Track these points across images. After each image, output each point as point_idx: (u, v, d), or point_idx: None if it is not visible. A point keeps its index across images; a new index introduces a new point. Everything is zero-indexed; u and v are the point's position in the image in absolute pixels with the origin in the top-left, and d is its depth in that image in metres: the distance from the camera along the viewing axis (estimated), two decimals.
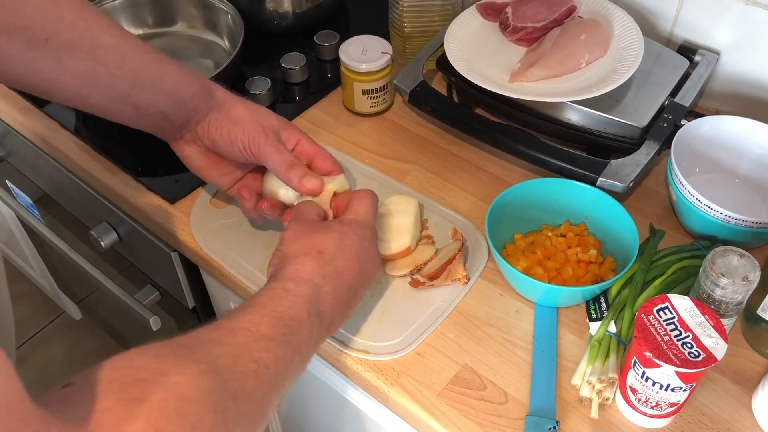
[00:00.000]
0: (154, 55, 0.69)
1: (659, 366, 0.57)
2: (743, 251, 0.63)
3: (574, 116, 0.81)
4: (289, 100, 0.96)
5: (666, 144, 0.79)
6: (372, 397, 0.71)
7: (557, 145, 0.81)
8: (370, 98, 0.90)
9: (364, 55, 0.88)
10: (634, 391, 0.61)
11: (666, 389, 0.59)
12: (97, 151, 0.90)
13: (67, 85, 0.67)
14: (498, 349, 0.69)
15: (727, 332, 0.60)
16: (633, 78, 0.80)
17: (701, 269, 0.64)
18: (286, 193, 0.71)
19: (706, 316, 0.59)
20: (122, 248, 1.00)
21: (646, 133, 0.80)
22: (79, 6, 0.66)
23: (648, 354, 0.57)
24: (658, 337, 0.58)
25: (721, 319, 0.60)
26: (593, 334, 0.68)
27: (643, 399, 0.61)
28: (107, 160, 0.89)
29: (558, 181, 0.76)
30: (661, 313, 0.60)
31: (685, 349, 0.57)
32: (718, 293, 0.63)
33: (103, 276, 1.04)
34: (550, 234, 0.75)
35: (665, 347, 0.57)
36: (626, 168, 0.77)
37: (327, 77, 0.99)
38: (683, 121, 0.79)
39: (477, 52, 0.86)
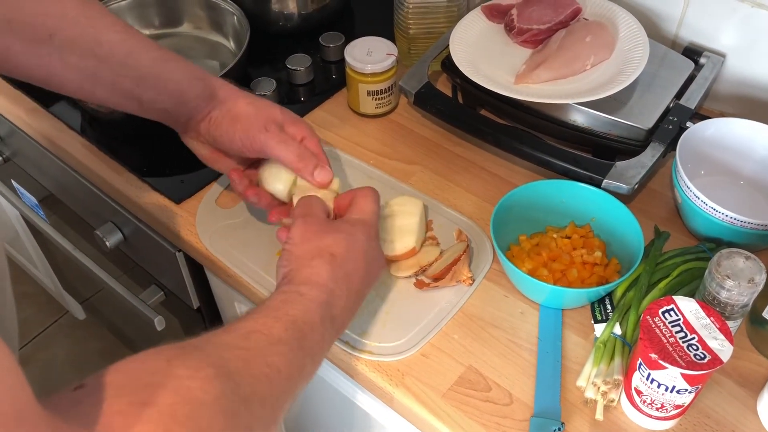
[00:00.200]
0: (158, 53, 0.70)
1: (665, 368, 0.57)
2: (749, 253, 0.63)
3: (579, 118, 0.82)
4: (294, 101, 0.97)
5: (671, 146, 0.79)
6: (377, 398, 0.71)
7: (562, 146, 0.81)
8: (375, 99, 0.91)
9: (369, 56, 0.88)
10: (639, 393, 0.61)
11: (671, 391, 0.59)
12: (103, 151, 0.90)
13: (70, 80, 0.67)
14: (503, 351, 0.69)
15: (733, 335, 0.60)
16: (638, 80, 0.80)
17: (707, 271, 0.64)
18: (277, 187, 0.71)
19: (711, 318, 0.59)
20: (127, 248, 1.00)
21: (651, 135, 0.80)
22: (82, 2, 0.66)
23: (653, 356, 0.57)
24: (663, 338, 0.58)
25: (726, 321, 0.60)
26: (598, 335, 0.68)
27: (648, 401, 0.61)
28: (113, 160, 0.89)
29: (563, 183, 0.76)
30: (666, 314, 0.59)
31: (690, 351, 0.57)
32: (723, 295, 0.63)
33: (108, 276, 1.04)
34: (555, 235, 0.75)
35: (670, 349, 0.57)
36: (631, 170, 0.77)
37: (332, 78, 0.99)
38: (688, 123, 0.79)
39: (482, 53, 0.86)
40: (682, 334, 0.58)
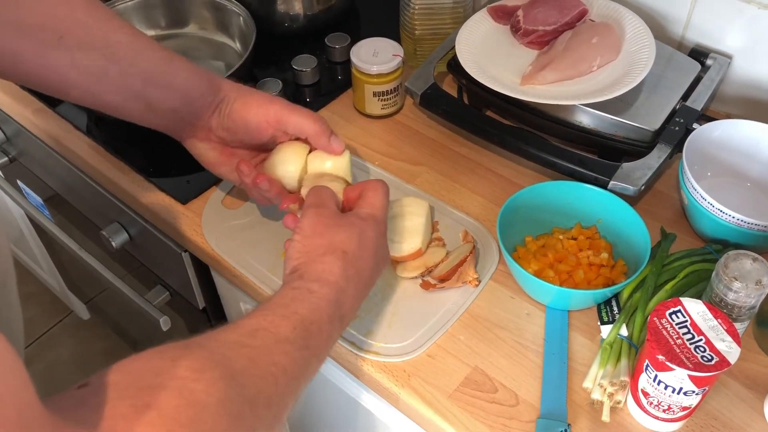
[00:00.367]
0: (163, 53, 0.70)
1: (672, 369, 0.57)
2: (756, 255, 0.63)
3: (586, 119, 0.81)
4: (300, 102, 0.94)
5: (677, 147, 0.79)
6: (382, 398, 0.71)
7: (568, 148, 0.81)
8: (381, 100, 0.91)
9: (375, 57, 0.88)
10: (646, 394, 0.61)
11: (678, 393, 0.58)
12: (109, 151, 0.90)
13: (79, 83, 0.67)
14: (509, 352, 0.69)
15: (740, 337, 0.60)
16: (644, 81, 0.80)
17: (714, 273, 0.64)
18: (288, 169, 0.72)
19: (718, 320, 0.59)
20: (133, 248, 1.00)
21: (657, 136, 0.80)
22: (90, 5, 0.66)
23: (661, 357, 0.57)
24: (670, 340, 0.58)
25: (733, 323, 0.59)
26: (605, 337, 0.68)
27: (655, 402, 0.61)
28: (119, 161, 0.89)
29: (569, 184, 0.76)
30: (673, 316, 0.59)
31: (697, 353, 0.57)
32: (731, 297, 0.63)
33: (113, 276, 1.04)
34: (561, 237, 0.75)
35: (678, 350, 0.57)
36: (638, 171, 0.77)
37: (338, 79, 1.00)
38: (695, 125, 0.79)
39: (488, 54, 0.86)
40: (690, 336, 0.58)
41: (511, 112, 0.86)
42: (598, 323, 0.70)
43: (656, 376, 0.59)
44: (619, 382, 0.63)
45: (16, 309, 0.65)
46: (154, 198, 0.85)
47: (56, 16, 0.64)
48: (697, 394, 0.59)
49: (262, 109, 0.70)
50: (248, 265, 0.77)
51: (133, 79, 0.68)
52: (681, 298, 0.61)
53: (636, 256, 0.71)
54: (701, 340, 0.58)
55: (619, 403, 0.64)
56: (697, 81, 0.85)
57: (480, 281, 0.74)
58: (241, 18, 0.99)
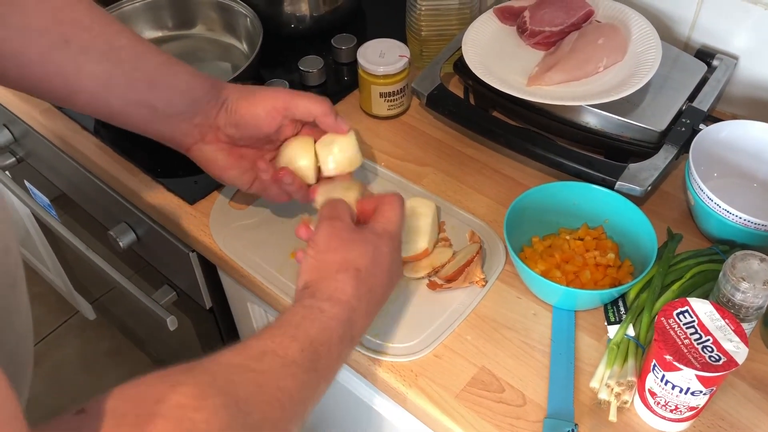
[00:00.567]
0: (165, 57, 0.70)
1: (679, 369, 0.57)
2: (764, 255, 0.63)
3: (592, 120, 0.82)
4: None
5: (684, 148, 0.79)
6: (390, 398, 0.71)
7: (574, 148, 0.81)
8: (388, 101, 0.91)
9: (381, 58, 0.88)
10: (653, 394, 0.61)
11: (686, 393, 0.59)
12: (117, 152, 0.91)
13: (85, 88, 0.67)
14: (516, 352, 0.69)
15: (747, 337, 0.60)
16: (651, 82, 0.80)
17: (721, 273, 0.64)
18: (300, 168, 0.72)
19: (726, 320, 0.59)
20: (140, 248, 1.01)
21: (664, 137, 0.80)
22: (92, 9, 0.67)
23: (668, 357, 0.57)
24: (678, 340, 0.58)
25: (741, 324, 0.60)
26: (611, 337, 0.68)
27: (663, 402, 0.61)
28: (127, 161, 0.90)
29: (576, 185, 0.76)
30: (681, 316, 0.60)
31: (705, 353, 0.57)
32: (738, 297, 0.63)
33: (120, 276, 1.05)
34: (567, 237, 0.76)
35: (685, 350, 0.57)
36: (644, 172, 0.77)
37: (344, 80, 1.00)
38: (701, 126, 0.79)
39: (494, 55, 0.87)
40: (697, 336, 0.58)
41: (518, 112, 0.86)
42: (605, 323, 0.70)
43: (664, 376, 0.59)
44: (626, 382, 0.63)
45: (25, 311, 0.65)
46: (162, 198, 0.86)
47: (61, 21, 0.64)
48: (704, 394, 0.59)
49: (269, 99, 0.71)
50: (255, 265, 0.77)
51: (137, 83, 0.68)
52: (688, 298, 0.61)
53: (643, 257, 0.71)
54: (709, 340, 0.58)
55: (626, 403, 0.64)
56: (703, 82, 0.85)
57: (487, 281, 0.74)
58: (248, 19, 0.99)
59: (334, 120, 0.72)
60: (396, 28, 0.99)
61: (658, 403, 0.61)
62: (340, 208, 0.63)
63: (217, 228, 0.81)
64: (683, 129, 0.80)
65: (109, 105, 0.69)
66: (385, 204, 0.65)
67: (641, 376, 0.63)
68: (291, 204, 0.82)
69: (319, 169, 0.74)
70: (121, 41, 0.67)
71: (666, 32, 0.91)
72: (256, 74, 0.97)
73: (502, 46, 0.88)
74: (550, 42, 0.87)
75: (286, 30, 1.04)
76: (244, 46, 1.03)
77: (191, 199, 0.84)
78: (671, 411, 0.61)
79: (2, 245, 0.57)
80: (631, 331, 0.67)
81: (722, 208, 0.71)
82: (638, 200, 0.75)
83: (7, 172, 1.21)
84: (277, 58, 1.02)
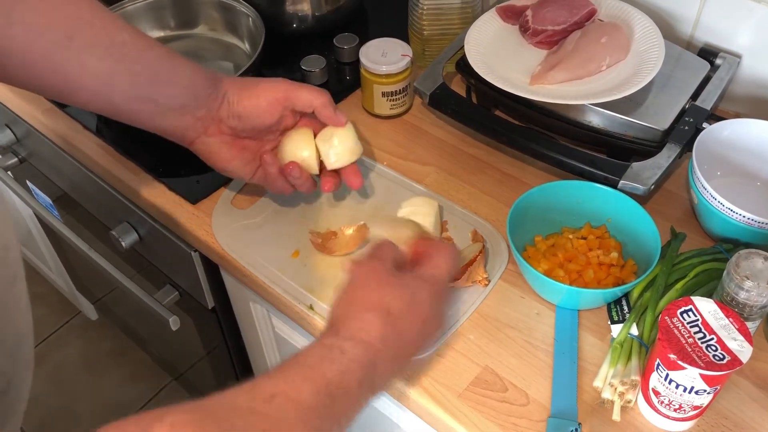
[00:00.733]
0: (164, 51, 0.70)
1: (683, 368, 0.57)
2: None
3: (595, 119, 0.81)
4: None
5: (687, 147, 0.79)
6: (392, 398, 0.71)
7: (577, 147, 0.81)
8: (390, 100, 0.91)
9: (383, 57, 0.88)
10: (656, 393, 0.61)
11: (690, 392, 0.58)
12: (119, 151, 0.91)
13: (88, 85, 0.67)
14: (519, 351, 0.69)
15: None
16: (654, 81, 0.80)
17: (725, 272, 0.64)
18: (304, 159, 0.74)
19: (730, 319, 0.59)
20: (142, 248, 1.01)
21: (666, 135, 0.80)
22: (93, 5, 0.67)
23: (672, 356, 0.57)
24: (682, 339, 0.58)
25: (745, 322, 0.59)
26: (615, 336, 0.68)
27: (666, 402, 0.61)
28: (129, 161, 0.90)
29: (579, 184, 0.76)
30: (684, 315, 0.59)
31: (709, 352, 0.57)
32: (742, 296, 0.63)
33: (122, 276, 1.05)
34: (571, 236, 0.75)
35: (689, 349, 0.57)
36: (647, 171, 0.76)
37: (346, 80, 1.00)
38: (704, 124, 0.79)
39: (497, 54, 0.86)
40: (701, 335, 0.58)
41: (520, 111, 0.86)
42: (609, 322, 0.70)
43: (667, 375, 0.58)
44: (630, 381, 0.63)
45: (25, 309, 0.65)
46: (164, 198, 0.85)
47: (64, 17, 0.64)
48: (708, 393, 0.59)
49: (270, 90, 0.72)
50: (258, 265, 0.77)
51: (140, 78, 0.68)
52: (692, 297, 0.61)
53: (646, 256, 0.71)
54: (713, 339, 0.58)
55: (629, 402, 0.64)
56: (706, 80, 0.85)
57: (490, 281, 0.74)
58: (250, 19, 0.99)
59: (333, 112, 0.73)
60: (398, 27, 0.99)
61: (662, 402, 0.61)
62: (385, 249, 0.60)
63: (219, 227, 0.81)
64: (686, 128, 0.80)
65: (111, 101, 0.69)
66: (435, 250, 0.62)
67: (645, 375, 0.63)
68: (293, 204, 0.82)
69: (322, 162, 0.76)
70: (122, 37, 0.68)
71: (669, 31, 0.91)
72: (258, 74, 0.96)
73: (505, 45, 0.88)
74: (553, 41, 0.87)
75: (288, 29, 1.04)
76: (246, 46, 1.03)
77: (193, 199, 0.84)
78: (675, 410, 0.61)
79: (2, 242, 0.57)
80: (634, 330, 0.67)
81: (726, 206, 0.71)
82: (641, 199, 0.75)
83: (9, 172, 1.21)
84: (279, 57, 1.02)
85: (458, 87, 0.92)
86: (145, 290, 1.02)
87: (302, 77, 0.97)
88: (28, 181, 1.27)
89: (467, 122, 0.87)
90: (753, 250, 0.63)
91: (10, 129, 1.11)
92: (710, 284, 0.70)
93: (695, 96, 0.83)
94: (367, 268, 0.58)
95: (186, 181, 0.86)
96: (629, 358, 0.65)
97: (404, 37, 0.93)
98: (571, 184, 0.76)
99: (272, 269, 0.76)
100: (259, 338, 0.98)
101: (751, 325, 0.65)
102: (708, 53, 0.88)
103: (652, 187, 0.75)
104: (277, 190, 0.76)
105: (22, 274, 0.62)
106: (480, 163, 0.87)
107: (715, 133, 0.78)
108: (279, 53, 1.02)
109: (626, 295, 0.70)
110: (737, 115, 0.88)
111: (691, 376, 0.57)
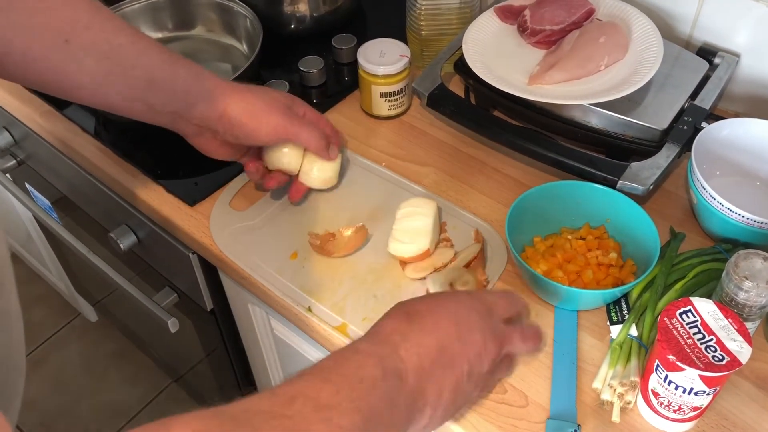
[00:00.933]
0: (166, 55, 0.70)
1: (682, 369, 0.56)
2: (767, 254, 0.63)
3: (594, 119, 0.81)
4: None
5: (686, 147, 0.78)
6: None
7: (576, 147, 0.80)
8: (388, 101, 0.91)
9: (382, 58, 0.88)
10: (656, 394, 0.61)
11: (689, 393, 0.58)
12: (117, 153, 0.90)
13: (84, 85, 0.68)
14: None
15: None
16: (652, 80, 0.80)
17: (724, 272, 0.64)
18: (290, 165, 0.79)
19: (729, 320, 0.59)
20: (141, 250, 1.01)
21: (665, 135, 0.79)
22: (92, 7, 0.67)
23: (671, 357, 0.57)
24: (681, 340, 0.57)
25: (744, 323, 0.59)
26: (614, 337, 0.67)
27: (666, 403, 0.60)
28: (127, 163, 0.89)
29: (578, 184, 0.76)
30: (684, 316, 0.59)
31: (708, 353, 0.57)
32: (741, 296, 0.62)
33: (121, 278, 1.05)
34: (569, 237, 0.75)
35: (688, 350, 0.57)
36: (646, 171, 0.76)
37: (344, 80, 1.00)
38: (703, 124, 0.79)
39: (495, 54, 0.86)
40: (700, 336, 0.58)
41: (519, 112, 0.86)
42: (608, 323, 0.69)
43: (667, 376, 0.58)
44: (629, 382, 0.63)
45: (16, 314, 0.64)
46: (162, 200, 0.85)
47: (61, 19, 0.65)
48: (707, 394, 0.58)
49: (271, 122, 0.74)
50: (256, 267, 0.77)
51: (135, 81, 0.69)
52: (691, 298, 0.60)
53: (645, 256, 0.71)
54: (712, 339, 0.57)
55: (629, 403, 0.64)
56: (705, 80, 0.85)
57: (489, 282, 0.74)
58: (248, 20, 0.99)
59: (326, 153, 0.78)
60: (396, 27, 0.99)
61: (662, 403, 0.61)
62: (503, 306, 0.60)
63: (217, 229, 0.80)
64: (685, 127, 0.79)
65: (108, 100, 0.70)
66: (505, 295, 0.62)
67: (644, 376, 0.62)
68: (292, 206, 0.82)
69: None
70: (120, 39, 0.68)
71: (667, 30, 0.91)
72: (256, 75, 0.96)
73: (503, 45, 0.88)
74: (551, 41, 0.86)
75: (286, 30, 1.04)
76: (244, 47, 1.03)
77: (191, 201, 0.84)
78: (674, 411, 0.61)
79: None
80: (633, 331, 0.67)
81: (725, 206, 0.71)
82: (640, 199, 0.75)
83: (7, 175, 1.21)
84: (277, 58, 1.02)
85: (457, 87, 0.92)
86: (144, 292, 1.02)
87: (300, 78, 0.97)
88: (27, 184, 1.27)
89: (466, 123, 0.87)
90: (752, 251, 0.63)
91: (8, 131, 1.11)
92: (709, 284, 0.70)
93: (694, 95, 0.83)
94: (477, 315, 0.56)
95: (184, 183, 0.86)
96: (628, 359, 0.65)
97: (402, 38, 0.93)
98: (569, 184, 0.76)
99: (270, 271, 0.76)
100: (258, 340, 0.98)
101: (751, 326, 0.65)
102: (707, 52, 0.87)
103: (651, 187, 0.75)
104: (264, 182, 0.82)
105: (11, 278, 0.61)
106: (479, 164, 0.87)
107: (714, 132, 0.78)
108: (277, 54, 1.02)
109: (625, 296, 0.70)
110: (736, 115, 0.88)
111: (690, 377, 0.57)
